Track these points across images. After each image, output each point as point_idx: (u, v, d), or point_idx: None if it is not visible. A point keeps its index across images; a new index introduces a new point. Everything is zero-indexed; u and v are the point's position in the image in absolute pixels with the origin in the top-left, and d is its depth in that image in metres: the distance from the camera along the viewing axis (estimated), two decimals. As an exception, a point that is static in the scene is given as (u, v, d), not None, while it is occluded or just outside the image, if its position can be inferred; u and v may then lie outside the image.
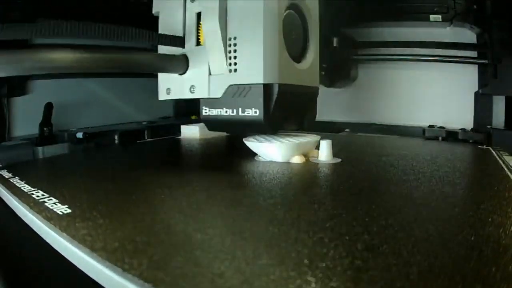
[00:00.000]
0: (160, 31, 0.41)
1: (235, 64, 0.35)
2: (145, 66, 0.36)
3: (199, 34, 0.38)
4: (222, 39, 0.35)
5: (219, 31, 0.34)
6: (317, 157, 0.41)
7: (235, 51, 0.35)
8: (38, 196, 0.28)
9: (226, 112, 0.36)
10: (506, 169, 0.37)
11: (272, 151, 0.40)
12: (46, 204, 0.26)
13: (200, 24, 0.37)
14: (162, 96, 0.42)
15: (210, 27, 0.35)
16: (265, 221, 0.23)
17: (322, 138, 0.41)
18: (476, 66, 0.67)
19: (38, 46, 0.29)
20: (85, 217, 0.23)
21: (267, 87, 0.34)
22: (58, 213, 0.24)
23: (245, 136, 0.43)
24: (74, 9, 0.56)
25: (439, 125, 0.70)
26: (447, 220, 0.22)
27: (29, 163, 0.46)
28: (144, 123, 0.69)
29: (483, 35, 0.64)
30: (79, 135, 0.56)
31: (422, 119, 0.72)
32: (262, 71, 0.34)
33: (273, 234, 0.21)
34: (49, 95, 0.59)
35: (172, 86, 0.40)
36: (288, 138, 0.41)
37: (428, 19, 0.65)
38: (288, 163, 0.40)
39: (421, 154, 0.48)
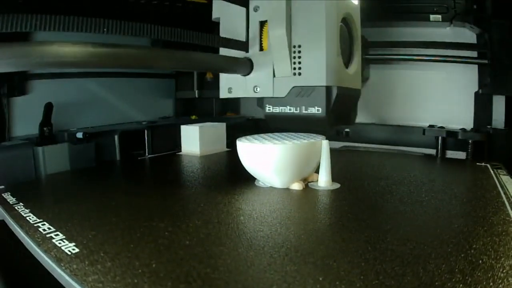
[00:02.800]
0: (222, 35, 0.45)
1: (299, 68, 0.40)
2: (215, 66, 0.42)
3: (262, 40, 0.43)
4: (288, 47, 0.40)
5: (285, 40, 0.39)
6: (317, 181, 0.41)
7: (299, 57, 0.40)
8: (44, 230, 0.29)
9: (290, 109, 0.41)
10: (503, 194, 0.37)
11: (272, 178, 0.40)
12: (53, 240, 0.27)
13: (263, 31, 0.42)
14: (224, 94, 0.46)
15: (277, 36, 0.40)
16: (264, 266, 0.23)
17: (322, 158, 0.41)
18: (476, 66, 0.67)
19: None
20: (93, 259, 0.24)
21: (328, 89, 0.39)
22: (66, 253, 0.24)
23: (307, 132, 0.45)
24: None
25: (439, 125, 0.70)
26: (439, 265, 0.22)
27: (32, 184, 0.46)
28: (144, 123, 0.69)
29: (483, 35, 0.64)
30: (79, 135, 0.56)
31: (422, 119, 0.72)
32: (325, 75, 0.39)
33: (273, 281, 0.21)
34: (49, 95, 0.59)
35: (234, 86, 0.45)
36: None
37: (428, 19, 0.65)
38: (287, 189, 0.40)
39: (418, 177, 0.47)
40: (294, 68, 0.40)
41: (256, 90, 0.43)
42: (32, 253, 0.26)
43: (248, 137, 0.43)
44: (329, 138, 0.43)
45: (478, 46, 0.66)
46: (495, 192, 0.38)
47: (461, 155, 0.68)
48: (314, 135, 0.43)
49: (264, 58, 0.42)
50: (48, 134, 0.53)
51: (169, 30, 0.32)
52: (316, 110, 0.40)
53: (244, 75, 0.43)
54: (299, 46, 0.40)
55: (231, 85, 0.45)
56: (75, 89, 0.66)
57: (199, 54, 0.37)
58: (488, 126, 0.64)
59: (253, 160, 0.40)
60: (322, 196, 0.38)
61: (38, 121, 0.53)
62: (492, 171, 0.48)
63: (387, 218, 0.32)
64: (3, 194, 0.39)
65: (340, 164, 0.44)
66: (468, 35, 0.67)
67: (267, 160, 0.39)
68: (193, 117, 0.82)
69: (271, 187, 0.41)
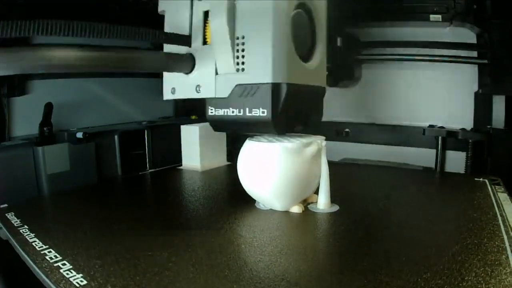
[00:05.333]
0: (166, 30, 0.40)
1: (243, 63, 0.35)
2: (151, 65, 0.36)
3: (206, 33, 0.38)
4: (230, 38, 0.34)
5: (227, 30, 0.34)
6: (316, 202, 0.41)
7: (243, 50, 0.35)
8: (51, 258, 0.29)
9: (233, 112, 0.36)
10: (499, 216, 0.38)
11: (271, 201, 0.40)
12: (61, 270, 0.27)
13: (207, 23, 0.37)
14: (167, 95, 0.41)
15: (218, 26, 0.35)
16: None
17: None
18: (476, 66, 0.67)
19: (38, 45, 0.27)
20: None
21: (275, 87, 0.34)
22: (75, 285, 0.25)
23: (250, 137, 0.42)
24: (75, 8, 0.55)
25: (439, 125, 0.70)
26: None
27: (34, 203, 0.46)
28: (144, 123, 0.69)
29: (483, 35, 0.64)
30: (79, 135, 0.56)
31: (422, 119, 0.72)
32: (270, 70, 0.33)
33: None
34: (49, 95, 0.59)
35: (177, 86, 0.40)
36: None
37: (428, 19, 0.65)
38: (287, 212, 0.40)
39: (417, 197, 0.48)
40: (238, 63, 0.35)
41: (199, 90, 0.38)
42: (42, 282, 0.27)
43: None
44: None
45: (478, 46, 0.66)
46: (491, 214, 0.39)
47: (461, 155, 0.68)
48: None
49: (207, 53, 0.37)
50: (48, 134, 0.53)
51: (93, 26, 0.28)
52: (261, 112, 0.34)
53: (187, 73, 0.38)
54: (243, 38, 0.34)
55: (174, 85, 0.40)
56: (75, 89, 0.65)
57: (130, 52, 0.33)
58: (488, 126, 0.64)
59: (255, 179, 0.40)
60: (321, 220, 0.39)
61: (38, 121, 0.53)
62: (489, 188, 0.48)
63: (384, 246, 0.32)
64: (6, 215, 0.39)
65: (339, 181, 0.43)
66: (468, 35, 0.67)
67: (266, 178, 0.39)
68: (193, 117, 0.82)
69: (271, 209, 0.41)
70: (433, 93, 0.71)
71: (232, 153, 0.66)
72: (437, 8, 0.64)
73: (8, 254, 0.33)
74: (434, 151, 0.70)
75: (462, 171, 0.67)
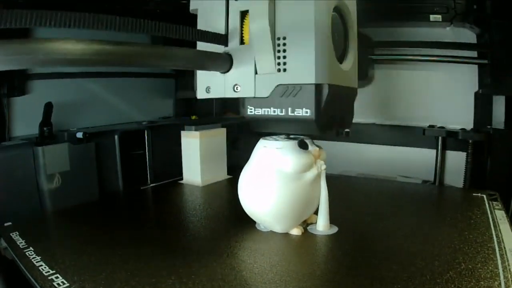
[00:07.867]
0: (199, 28, 0.40)
1: (284, 63, 0.35)
2: (188, 62, 0.36)
3: (243, 33, 0.38)
4: (271, 39, 0.35)
5: (268, 31, 0.35)
6: (315, 223, 0.42)
7: (284, 50, 0.35)
8: (59, 285, 0.29)
9: (274, 111, 0.36)
10: (494, 238, 0.38)
11: (271, 224, 0.41)
12: None
13: (244, 23, 0.38)
14: (201, 94, 0.41)
15: (259, 27, 0.35)
16: None
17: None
18: (476, 66, 0.67)
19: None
20: None
21: (318, 87, 0.34)
22: None
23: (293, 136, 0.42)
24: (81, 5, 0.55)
25: (439, 125, 0.70)
26: None
27: (38, 221, 0.46)
28: (144, 123, 0.69)
29: (483, 35, 0.64)
30: (79, 135, 0.56)
31: (422, 119, 0.72)
32: (314, 71, 0.34)
33: None
34: (49, 95, 0.59)
35: (212, 85, 0.40)
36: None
37: (428, 19, 0.65)
38: (287, 235, 0.40)
39: (415, 216, 0.48)
40: (279, 64, 0.35)
41: (236, 89, 0.38)
42: None
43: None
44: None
45: (478, 46, 0.66)
46: (487, 235, 0.39)
47: (461, 155, 0.68)
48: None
49: (245, 53, 0.37)
50: (48, 134, 0.53)
51: (133, 21, 0.27)
52: (304, 112, 0.35)
53: (223, 73, 0.38)
54: (284, 38, 0.35)
55: (209, 84, 0.40)
56: (75, 89, 0.65)
57: (171, 49, 0.32)
58: (488, 126, 0.64)
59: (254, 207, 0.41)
60: (320, 243, 0.39)
61: (38, 121, 0.53)
62: (487, 205, 0.48)
63: (380, 272, 0.32)
64: (11, 234, 0.39)
65: (338, 199, 0.43)
66: (468, 35, 0.67)
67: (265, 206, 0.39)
68: (193, 117, 0.82)
69: (271, 231, 0.41)
70: (433, 93, 0.71)
71: (234, 166, 0.66)
72: (437, 8, 0.64)
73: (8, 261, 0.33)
74: (434, 151, 0.70)
75: (462, 171, 0.67)
